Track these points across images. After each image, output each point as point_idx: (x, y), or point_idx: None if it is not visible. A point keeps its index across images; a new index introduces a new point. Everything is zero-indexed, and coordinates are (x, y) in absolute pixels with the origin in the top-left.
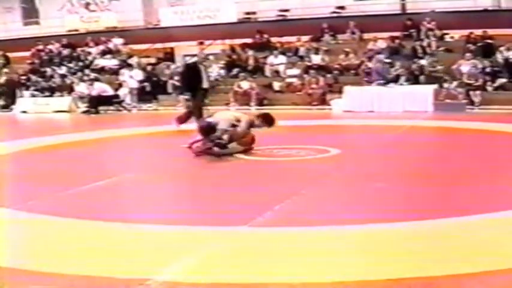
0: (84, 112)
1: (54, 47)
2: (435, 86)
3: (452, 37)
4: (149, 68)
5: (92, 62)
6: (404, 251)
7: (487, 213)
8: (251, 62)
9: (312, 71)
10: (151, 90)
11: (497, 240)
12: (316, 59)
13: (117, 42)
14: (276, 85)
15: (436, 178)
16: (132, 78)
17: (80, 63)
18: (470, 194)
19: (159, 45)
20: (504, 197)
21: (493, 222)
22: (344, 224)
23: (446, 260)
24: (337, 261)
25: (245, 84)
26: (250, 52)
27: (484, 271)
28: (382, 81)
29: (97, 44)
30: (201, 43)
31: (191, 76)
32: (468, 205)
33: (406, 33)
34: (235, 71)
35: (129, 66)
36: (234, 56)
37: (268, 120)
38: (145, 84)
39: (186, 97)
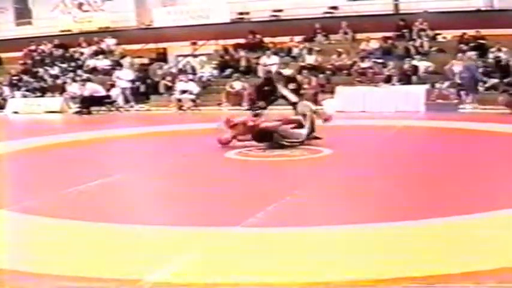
0: (76, 113)
1: (47, 47)
2: (427, 86)
3: (444, 37)
4: (142, 68)
5: (84, 62)
6: (398, 251)
7: (481, 213)
8: (244, 62)
9: (304, 71)
10: (144, 90)
11: (491, 239)
12: (310, 59)
13: (109, 42)
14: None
15: (428, 178)
16: (120, 78)
17: (73, 64)
18: (463, 193)
19: (151, 46)
20: (497, 196)
21: (486, 221)
22: (337, 224)
23: (441, 260)
24: (331, 261)
25: (237, 85)
26: (243, 52)
27: (479, 271)
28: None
29: (90, 45)
30: (194, 43)
31: (266, 88)
32: (461, 205)
33: (398, 33)
34: (228, 71)
35: (120, 65)
36: (227, 57)
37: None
38: (138, 84)
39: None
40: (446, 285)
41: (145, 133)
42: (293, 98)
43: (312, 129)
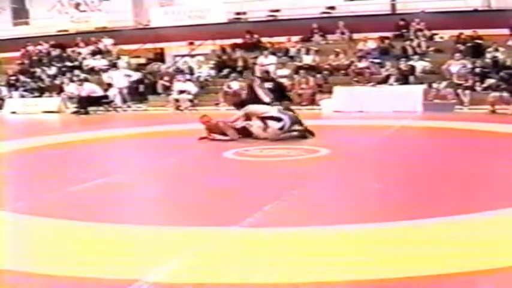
0: (74, 113)
1: (44, 47)
2: (424, 86)
3: (441, 37)
4: (139, 68)
5: (81, 62)
6: (397, 251)
7: (480, 213)
8: (241, 62)
9: (302, 71)
10: (142, 90)
11: (491, 239)
12: (307, 59)
13: (107, 42)
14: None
15: (426, 178)
16: (128, 76)
17: (70, 64)
18: (462, 193)
19: (149, 46)
20: (496, 196)
21: (486, 221)
22: (334, 224)
23: (441, 260)
24: (328, 260)
25: (235, 85)
26: (240, 52)
27: (478, 270)
28: None
29: (87, 45)
30: (191, 43)
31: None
32: (461, 204)
33: (397, 33)
34: (225, 71)
35: (115, 66)
36: (224, 57)
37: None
38: (137, 84)
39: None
40: (446, 285)
41: (143, 133)
42: (265, 98)
43: (295, 122)
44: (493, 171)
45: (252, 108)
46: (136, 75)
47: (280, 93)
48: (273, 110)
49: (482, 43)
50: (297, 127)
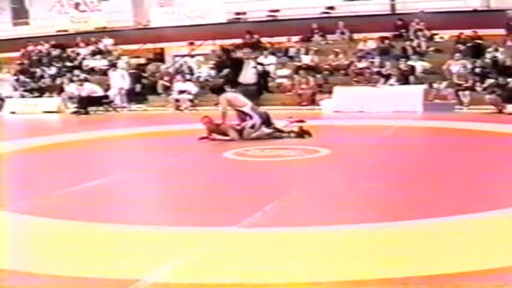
0: (74, 113)
1: (44, 47)
2: (425, 86)
3: (441, 37)
4: (139, 68)
5: (81, 62)
6: (397, 251)
7: (480, 213)
8: None
9: (301, 71)
10: (141, 90)
11: (490, 239)
12: (306, 59)
13: (107, 42)
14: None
15: (426, 178)
16: (123, 78)
17: (70, 64)
18: (461, 193)
19: (149, 46)
20: (496, 196)
21: (485, 221)
22: (334, 224)
23: (440, 260)
24: (329, 260)
25: None
26: (241, 53)
27: (478, 270)
28: None
29: (87, 45)
30: (191, 43)
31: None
32: (460, 204)
33: (396, 33)
34: (225, 71)
35: (114, 66)
36: (224, 57)
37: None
38: (133, 85)
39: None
40: (446, 285)
41: (143, 133)
42: (247, 78)
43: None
44: (493, 171)
45: (232, 95)
46: (126, 82)
47: (263, 78)
48: (248, 106)
49: (482, 43)
50: (265, 128)
